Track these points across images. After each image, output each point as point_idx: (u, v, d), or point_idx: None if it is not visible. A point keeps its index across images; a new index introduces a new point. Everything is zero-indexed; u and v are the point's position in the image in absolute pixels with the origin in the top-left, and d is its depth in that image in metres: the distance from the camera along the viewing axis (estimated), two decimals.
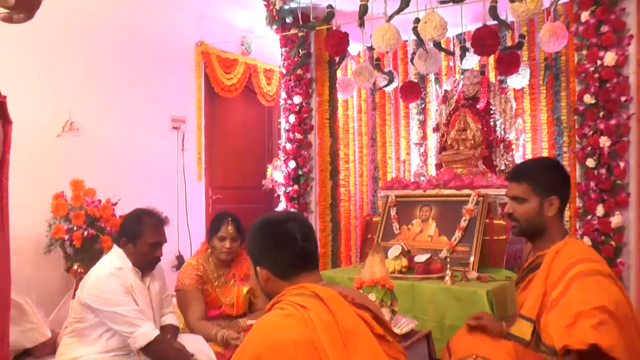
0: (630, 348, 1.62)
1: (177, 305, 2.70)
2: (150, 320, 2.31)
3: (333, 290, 1.43)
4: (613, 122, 2.98)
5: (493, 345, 1.91)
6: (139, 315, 2.26)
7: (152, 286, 2.50)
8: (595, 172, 3.03)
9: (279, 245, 1.48)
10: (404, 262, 3.24)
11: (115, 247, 2.45)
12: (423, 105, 4.82)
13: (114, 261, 2.38)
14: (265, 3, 4.11)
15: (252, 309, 2.83)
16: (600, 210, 3.01)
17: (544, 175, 1.95)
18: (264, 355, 1.26)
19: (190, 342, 2.46)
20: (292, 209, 4.23)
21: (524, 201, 1.93)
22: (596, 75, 3.02)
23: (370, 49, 3.88)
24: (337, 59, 3.97)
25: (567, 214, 3.96)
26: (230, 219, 2.67)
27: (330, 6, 3.74)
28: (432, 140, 4.61)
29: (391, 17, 3.33)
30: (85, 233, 3.22)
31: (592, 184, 3.05)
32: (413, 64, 4.01)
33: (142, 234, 2.39)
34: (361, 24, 3.46)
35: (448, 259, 3.16)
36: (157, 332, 2.27)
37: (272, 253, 1.49)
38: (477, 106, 4.09)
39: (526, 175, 1.95)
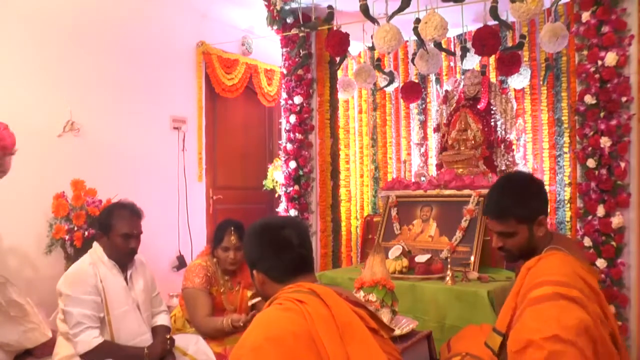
0: None
1: (185, 304, 2.69)
2: (97, 328, 2.29)
3: (329, 288, 1.46)
4: (614, 122, 2.98)
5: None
6: (85, 321, 2.26)
7: (136, 283, 2.50)
8: (596, 172, 3.03)
9: (275, 251, 1.52)
10: (405, 262, 3.24)
11: (95, 242, 2.48)
12: (424, 106, 4.82)
13: (87, 257, 2.41)
14: (266, 3, 4.11)
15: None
16: (600, 210, 3.01)
17: (526, 203, 1.85)
18: (264, 347, 1.28)
19: (190, 342, 2.46)
20: (292, 210, 4.23)
21: (513, 235, 1.86)
22: (597, 76, 3.02)
23: (371, 49, 3.88)
24: (337, 59, 3.97)
25: (567, 214, 3.97)
26: (232, 228, 2.65)
27: (330, 6, 3.73)
28: (433, 140, 4.61)
29: (391, 16, 3.32)
30: (86, 233, 3.23)
31: (593, 184, 3.05)
32: (414, 64, 4.01)
33: (113, 226, 2.41)
34: (373, 20, 3.44)
35: (449, 259, 3.16)
36: (98, 340, 2.26)
37: (269, 258, 1.52)
38: (478, 106, 4.08)
39: (508, 211, 1.86)
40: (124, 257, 2.46)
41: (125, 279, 2.46)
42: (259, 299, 2.65)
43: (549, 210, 1.95)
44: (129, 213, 2.47)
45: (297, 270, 1.52)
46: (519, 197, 1.86)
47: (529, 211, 1.83)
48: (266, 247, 1.53)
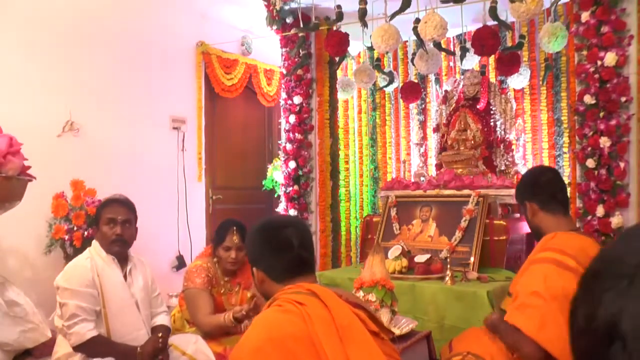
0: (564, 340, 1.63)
1: (186, 305, 2.69)
2: (92, 321, 2.30)
3: (328, 289, 1.46)
4: (613, 122, 2.98)
5: (490, 344, 1.92)
6: (80, 314, 2.27)
7: (135, 280, 2.50)
8: (596, 172, 3.03)
9: (275, 250, 1.53)
10: (404, 262, 3.24)
11: (94, 240, 2.50)
12: (423, 106, 4.82)
13: (86, 252, 2.44)
14: (266, 3, 4.11)
15: (255, 311, 2.83)
16: (600, 210, 3.01)
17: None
18: (264, 349, 1.28)
19: (189, 341, 2.46)
20: (291, 210, 4.23)
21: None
22: (596, 76, 3.02)
23: (371, 49, 3.88)
24: (337, 59, 3.97)
25: None
26: (235, 228, 2.64)
27: (338, 6, 3.71)
28: (433, 140, 4.61)
29: (392, 17, 3.33)
30: (86, 233, 3.23)
31: (592, 184, 3.05)
32: (413, 64, 4.01)
33: (100, 215, 2.46)
34: (364, 24, 3.47)
35: (448, 259, 3.16)
36: (92, 333, 2.27)
37: (269, 257, 1.53)
38: (478, 106, 4.08)
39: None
40: (113, 245, 2.43)
41: (125, 275, 2.46)
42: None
43: (548, 199, 2.07)
44: (116, 201, 2.51)
45: (296, 271, 1.52)
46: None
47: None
48: (267, 246, 1.54)
